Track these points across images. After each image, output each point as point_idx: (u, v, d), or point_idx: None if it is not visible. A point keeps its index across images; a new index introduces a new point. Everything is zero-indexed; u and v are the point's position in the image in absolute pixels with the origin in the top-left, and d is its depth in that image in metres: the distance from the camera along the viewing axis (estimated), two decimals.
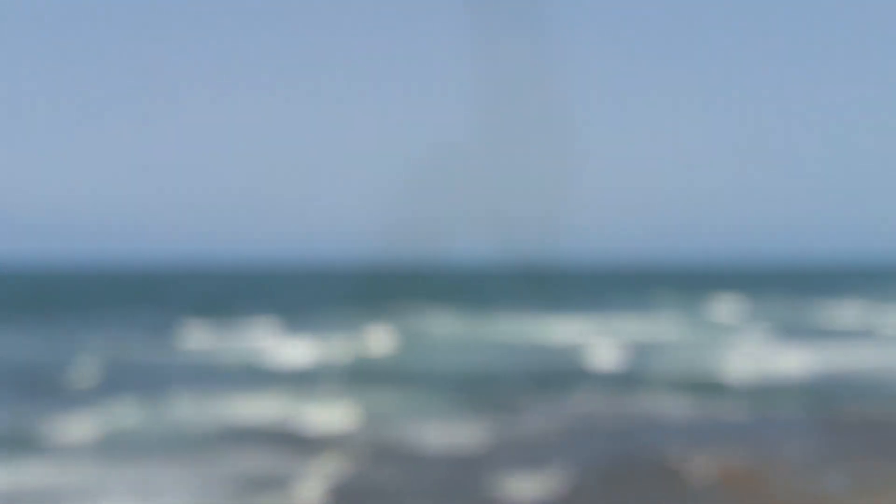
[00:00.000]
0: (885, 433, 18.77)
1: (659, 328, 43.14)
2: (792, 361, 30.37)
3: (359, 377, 27.45)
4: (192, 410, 21.77)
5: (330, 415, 20.90)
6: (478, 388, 25.11)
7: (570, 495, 14.30)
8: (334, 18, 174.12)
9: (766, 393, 24.26)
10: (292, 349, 34.56)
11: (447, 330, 42.52)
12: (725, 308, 56.24)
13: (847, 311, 53.01)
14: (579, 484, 14.86)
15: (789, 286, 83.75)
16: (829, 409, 21.75)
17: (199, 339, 39.20)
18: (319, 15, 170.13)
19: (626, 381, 26.82)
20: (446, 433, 18.88)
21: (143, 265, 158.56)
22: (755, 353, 32.64)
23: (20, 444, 18.10)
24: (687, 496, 14.04)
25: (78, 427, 19.57)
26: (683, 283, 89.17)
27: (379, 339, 37.64)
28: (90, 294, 75.00)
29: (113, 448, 17.75)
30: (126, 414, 21.18)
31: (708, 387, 25.18)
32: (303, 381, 26.87)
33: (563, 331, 41.66)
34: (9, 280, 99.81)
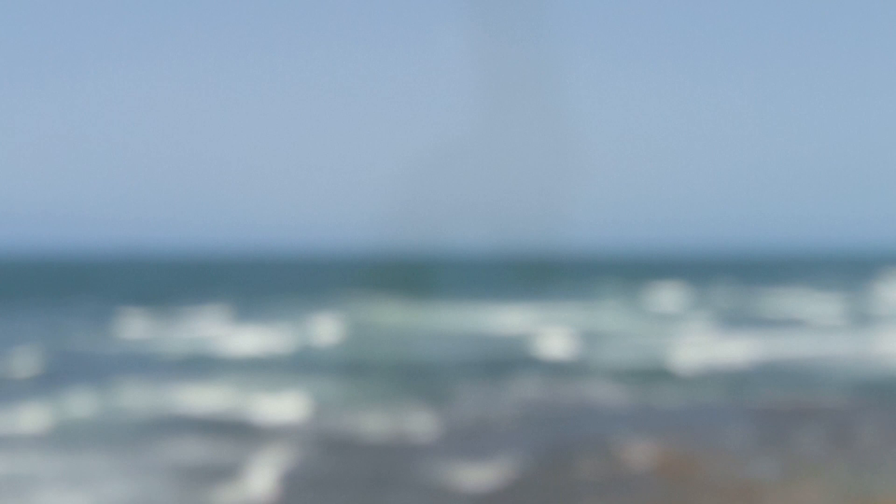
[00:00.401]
0: (819, 420, 19.10)
1: (603, 317, 43.45)
2: (732, 350, 30.74)
3: (306, 367, 27.49)
4: (137, 400, 21.71)
5: (277, 405, 20.94)
6: (424, 378, 25.24)
7: (513, 482, 14.48)
8: (337, 16, 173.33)
9: (706, 381, 24.56)
10: (240, 338, 34.53)
11: (396, 319, 42.61)
12: (669, 297, 56.68)
13: (788, 301, 53.59)
14: (521, 471, 15.04)
15: (734, 275, 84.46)
16: (766, 398, 22.09)
17: (144, 328, 39.04)
18: (322, 13, 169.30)
19: (570, 369, 27.07)
20: (392, 422, 19.00)
21: (91, 253, 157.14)
22: (697, 342, 32.98)
23: None
24: (626, 482, 14.26)
25: (17, 417, 19.48)
26: (629, 271, 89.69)
27: (327, 329, 37.68)
28: (39, 282, 74.31)
29: (54, 439, 17.67)
30: (68, 404, 21.07)
31: (650, 375, 25.45)
32: (250, 370, 26.88)
33: (510, 320, 41.88)
34: None
